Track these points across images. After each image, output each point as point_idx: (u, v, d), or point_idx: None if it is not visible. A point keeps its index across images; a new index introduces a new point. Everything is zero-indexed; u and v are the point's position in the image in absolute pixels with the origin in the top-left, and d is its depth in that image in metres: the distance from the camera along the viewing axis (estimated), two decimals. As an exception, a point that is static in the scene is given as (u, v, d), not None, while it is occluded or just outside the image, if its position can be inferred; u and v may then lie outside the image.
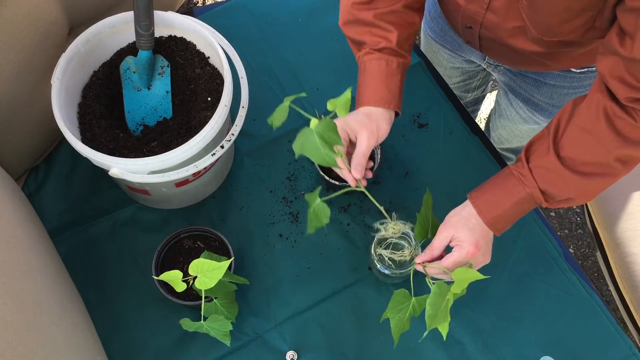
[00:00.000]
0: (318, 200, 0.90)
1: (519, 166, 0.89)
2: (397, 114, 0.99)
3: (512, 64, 1.15)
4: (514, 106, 1.29)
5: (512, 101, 1.29)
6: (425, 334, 0.85)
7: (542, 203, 0.89)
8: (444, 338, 0.84)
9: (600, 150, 0.83)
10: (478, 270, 0.86)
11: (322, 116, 0.82)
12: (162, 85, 1.10)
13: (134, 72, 1.08)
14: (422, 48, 1.39)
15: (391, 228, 0.96)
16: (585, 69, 1.08)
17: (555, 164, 0.85)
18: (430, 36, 1.34)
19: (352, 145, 0.96)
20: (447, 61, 1.36)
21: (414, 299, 0.86)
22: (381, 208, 0.93)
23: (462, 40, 1.17)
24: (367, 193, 0.93)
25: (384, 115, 0.96)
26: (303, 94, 0.89)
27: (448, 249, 0.91)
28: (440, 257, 0.91)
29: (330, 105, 0.85)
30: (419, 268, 0.91)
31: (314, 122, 0.83)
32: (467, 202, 0.92)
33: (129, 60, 1.08)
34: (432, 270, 0.89)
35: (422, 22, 1.37)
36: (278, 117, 0.84)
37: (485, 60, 1.23)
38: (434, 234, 0.92)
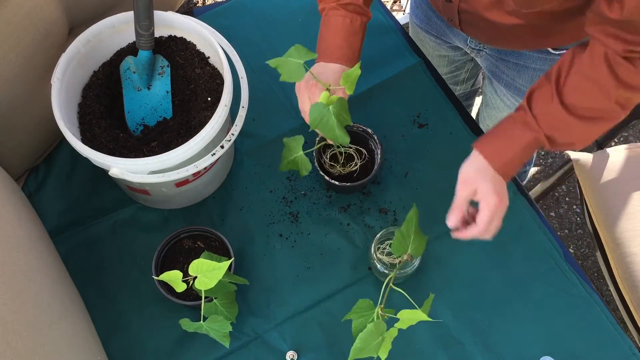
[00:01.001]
0: (301, 152, 1.01)
1: (522, 115, 0.92)
2: None
3: (491, 41, 1.17)
4: (498, 94, 1.31)
5: (496, 89, 1.31)
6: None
7: (545, 146, 0.93)
8: None
9: (601, 96, 0.87)
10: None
11: (329, 87, 0.90)
12: (162, 85, 1.10)
13: (134, 72, 1.08)
14: (411, 36, 1.41)
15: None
16: (564, 50, 1.10)
17: (560, 110, 0.89)
18: (416, 23, 1.37)
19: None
20: (433, 49, 1.39)
21: (378, 310, 0.87)
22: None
23: (445, 24, 1.20)
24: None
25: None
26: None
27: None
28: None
29: (342, 81, 0.91)
30: (456, 235, 0.95)
31: (324, 95, 0.90)
32: (474, 155, 0.94)
33: (129, 60, 1.08)
34: (469, 234, 0.93)
35: (409, 10, 1.41)
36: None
37: (468, 44, 1.25)
38: (417, 251, 0.93)
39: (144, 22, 1.00)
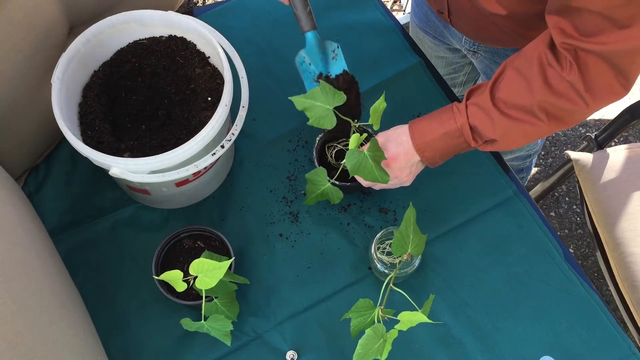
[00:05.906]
0: (328, 183, 1.02)
1: (457, 103, 0.96)
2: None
3: (479, 34, 1.18)
4: None
5: None
6: None
7: (470, 141, 0.95)
8: None
9: (528, 96, 0.88)
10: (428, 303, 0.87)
11: (356, 121, 0.91)
12: (338, 68, 1.06)
13: (309, 64, 1.06)
14: (411, 36, 1.42)
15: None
16: None
17: (488, 103, 0.91)
18: (416, 23, 1.39)
19: None
20: (432, 49, 1.40)
21: (378, 311, 0.87)
22: None
23: (442, 24, 1.21)
24: None
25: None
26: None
27: None
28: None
29: (371, 119, 0.93)
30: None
31: (355, 137, 0.91)
32: (404, 128, 1.00)
33: (302, 53, 1.05)
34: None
35: (410, 10, 1.44)
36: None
37: (463, 44, 1.26)
38: (417, 250, 0.93)
39: (298, 1, 0.99)
